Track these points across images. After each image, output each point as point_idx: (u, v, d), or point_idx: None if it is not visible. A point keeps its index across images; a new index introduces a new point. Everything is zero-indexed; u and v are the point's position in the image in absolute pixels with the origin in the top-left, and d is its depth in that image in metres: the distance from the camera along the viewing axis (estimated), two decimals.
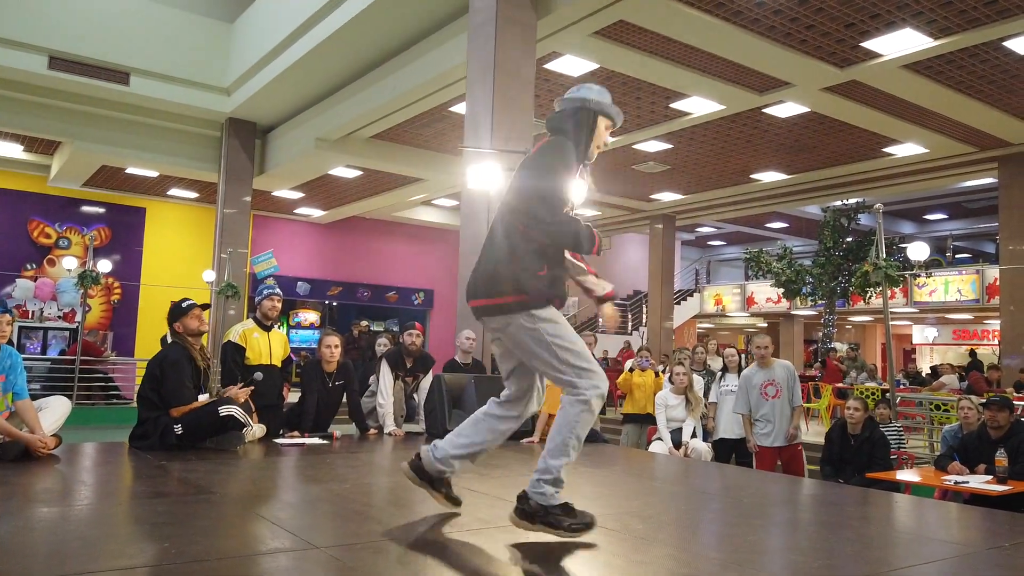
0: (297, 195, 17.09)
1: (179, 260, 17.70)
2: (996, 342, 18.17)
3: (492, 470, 4.44)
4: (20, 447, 3.96)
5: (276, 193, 16.87)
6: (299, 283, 19.06)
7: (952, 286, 17.25)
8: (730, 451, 6.91)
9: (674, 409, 6.95)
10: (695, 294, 23.32)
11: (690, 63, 9.43)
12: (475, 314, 2.95)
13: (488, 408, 3.05)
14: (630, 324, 21.30)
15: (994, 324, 19.30)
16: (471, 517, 3.11)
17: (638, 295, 22.12)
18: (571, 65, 9.66)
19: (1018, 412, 6.74)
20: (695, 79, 9.85)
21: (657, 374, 8.06)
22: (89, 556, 2.42)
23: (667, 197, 16.81)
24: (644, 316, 20.18)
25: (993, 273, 15.77)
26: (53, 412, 4.40)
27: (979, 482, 5.23)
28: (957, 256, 20.60)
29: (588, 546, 2.83)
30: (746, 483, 4.86)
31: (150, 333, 17.14)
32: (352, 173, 15.03)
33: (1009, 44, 8.43)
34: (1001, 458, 5.30)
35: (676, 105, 10.93)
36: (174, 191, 17.22)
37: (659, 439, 6.95)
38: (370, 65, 11.26)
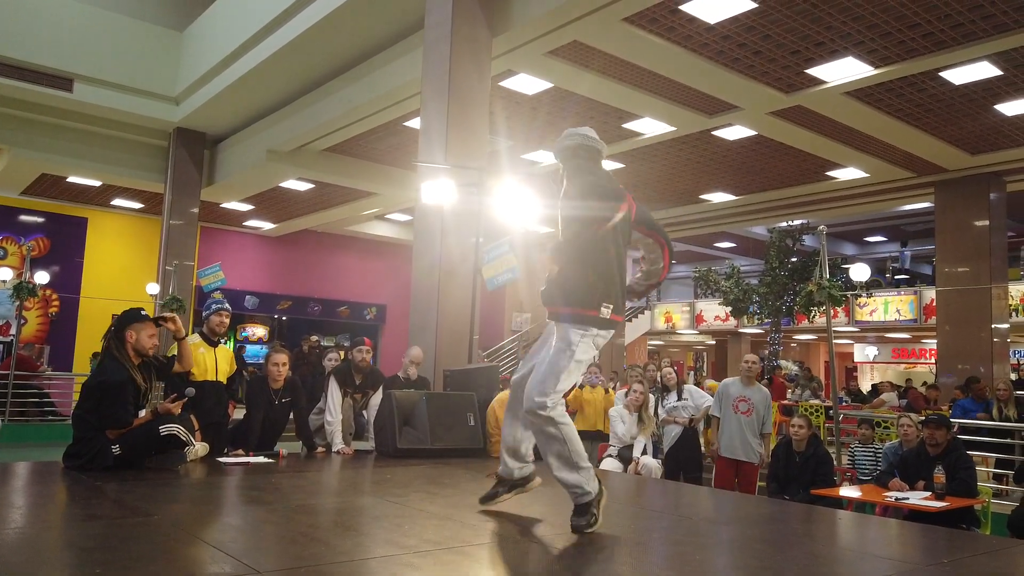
0: (247, 207, 16.79)
1: (122, 272, 17.18)
2: (933, 361, 18.79)
3: (443, 488, 4.39)
4: None
5: (225, 205, 16.55)
6: (247, 297, 18.68)
7: (892, 306, 17.81)
8: (678, 469, 7.00)
9: (628, 426, 6.98)
10: (646, 311, 23.58)
11: (642, 85, 9.59)
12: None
13: None
14: None
15: (931, 343, 19.95)
16: (420, 538, 3.06)
17: None
18: (526, 83, 9.73)
19: (955, 430, 6.95)
20: (647, 100, 10.02)
21: (607, 390, 8.10)
22: None
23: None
24: None
25: (930, 294, 16.33)
26: None
27: (918, 498, 5.37)
28: (896, 277, 21.27)
29: (539, 565, 2.81)
30: (695, 500, 4.90)
31: (89, 347, 16.55)
32: (304, 186, 14.84)
33: (945, 75, 8.79)
34: (939, 475, 5.46)
35: (628, 125, 11.09)
36: (118, 201, 16.75)
37: (610, 456, 6.96)
38: (324, 77, 11.17)
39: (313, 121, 11.64)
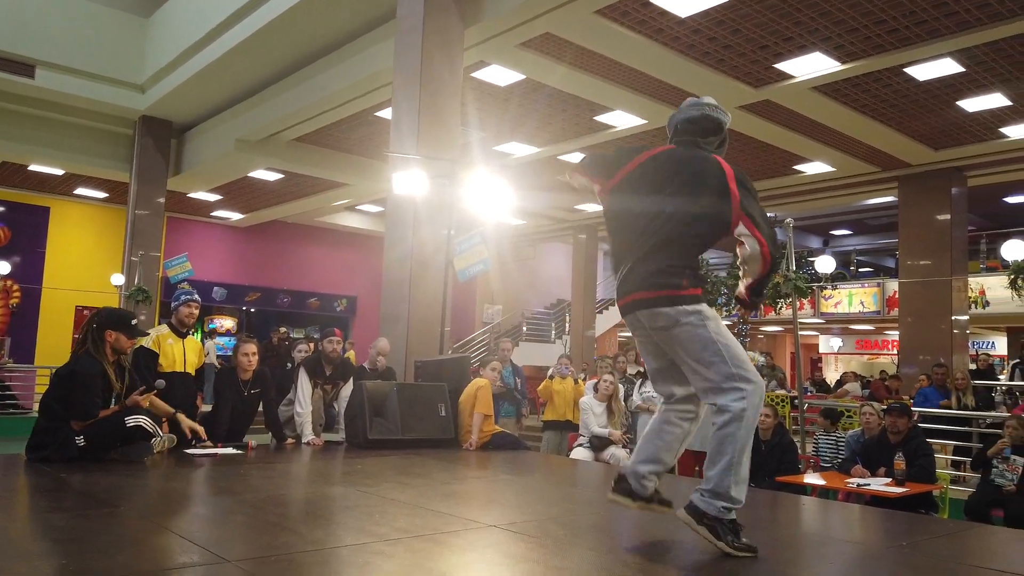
0: (215, 197, 16.56)
1: (85, 263, 16.86)
2: (895, 352, 19.19)
3: (414, 478, 4.40)
4: None
5: (192, 195, 16.31)
6: (215, 288, 18.44)
7: (855, 298, 18.12)
8: None
9: (599, 417, 7.04)
10: (616, 304, 23.73)
11: (613, 78, 9.64)
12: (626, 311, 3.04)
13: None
14: (553, 332, 21.50)
15: (893, 335, 20.38)
16: (391, 527, 3.07)
17: (561, 304, 22.36)
18: (498, 75, 9.72)
19: (916, 418, 7.13)
20: (618, 93, 10.07)
21: (577, 381, 8.17)
22: None
23: (590, 208, 17.08)
24: (567, 325, 20.40)
25: (893, 286, 16.66)
26: None
27: (880, 484, 5.50)
28: (860, 270, 21.65)
29: (509, 553, 2.84)
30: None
31: (51, 339, 16.26)
32: (273, 176, 14.68)
33: (909, 71, 8.96)
34: (900, 461, 5.60)
35: (600, 118, 11.14)
36: (81, 190, 16.42)
37: (580, 445, 7.03)
38: (294, 66, 11.05)
39: (283, 110, 11.51)
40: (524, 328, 20.99)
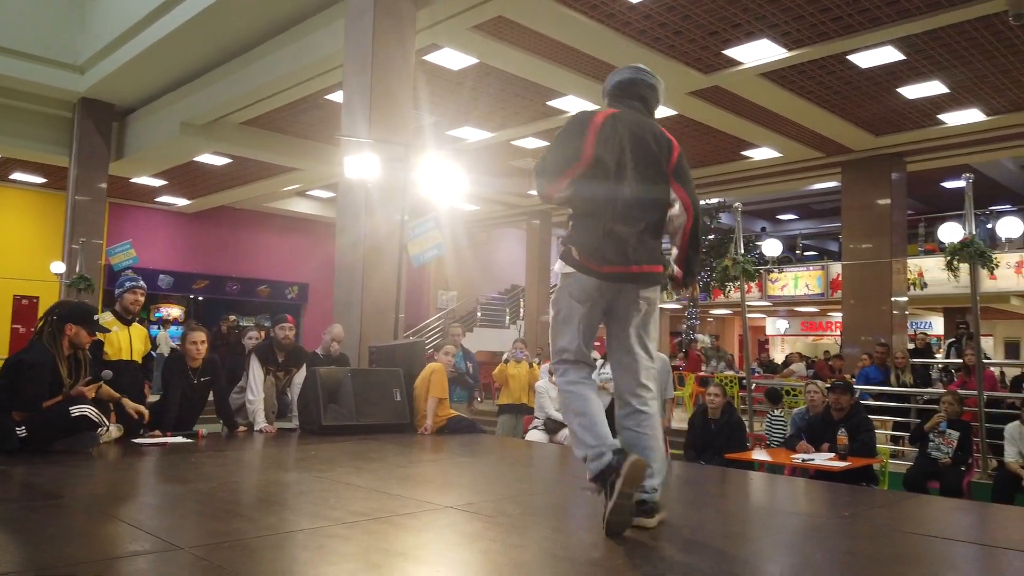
0: (159, 182, 16.11)
1: (23, 250, 16.26)
2: (838, 333, 19.80)
3: (369, 463, 4.39)
4: None
5: (135, 180, 15.83)
6: (161, 276, 17.99)
7: (800, 281, 18.60)
8: None
9: (555, 400, 7.09)
10: None
11: (566, 62, 9.66)
12: (627, 280, 2.86)
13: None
14: (508, 318, 21.57)
15: (837, 316, 20.99)
16: (346, 510, 3.06)
17: (515, 289, 22.42)
18: (451, 58, 9.65)
19: (858, 396, 7.38)
20: (571, 78, 10.10)
21: (531, 365, 8.23)
22: None
23: None
24: (521, 310, 20.49)
25: (836, 269, 17.15)
26: None
27: (823, 459, 5.69)
28: (805, 254, 22.20)
29: (466, 532, 2.86)
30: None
31: None
32: (220, 160, 14.34)
33: (852, 58, 9.19)
34: (842, 437, 5.80)
35: (553, 103, 11.17)
36: (18, 175, 15.80)
37: (535, 428, 7.09)
38: (242, 47, 10.78)
39: (230, 93, 11.23)
40: (478, 314, 21.01)
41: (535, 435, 7.01)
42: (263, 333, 7.50)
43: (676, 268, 3.00)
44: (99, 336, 5.01)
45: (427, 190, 7.75)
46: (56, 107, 13.27)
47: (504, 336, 19.70)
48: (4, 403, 4.09)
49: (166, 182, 16.11)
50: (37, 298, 16.13)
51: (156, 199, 17.69)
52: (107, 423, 4.51)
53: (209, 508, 3.16)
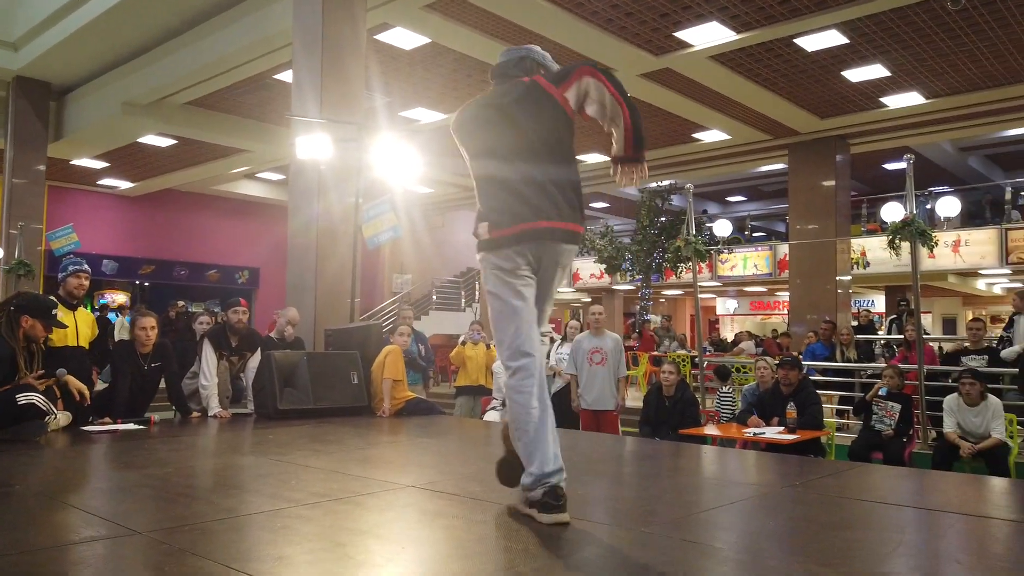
0: (101, 164, 15.58)
1: None
2: (786, 312, 20.30)
3: (327, 446, 4.37)
4: None
5: (76, 162, 15.28)
6: (105, 261, 17.45)
7: (749, 261, 19.01)
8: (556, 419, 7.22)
9: None
10: None
11: (518, 43, 9.60)
12: (561, 238, 2.79)
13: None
14: (463, 300, 21.55)
15: (784, 296, 21.53)
16: (307, 492, 3.06)
17: (471, 272, 22.39)
18: (403, 37, 9.53)
19: (805, 371, 7.60)
20: None
21: (488, 347, 8.26)
22: None
23: None
24: (477, 292, 20.49)
25: (783, 250, 17.56)
26: None
27: (773, 433, 5.87)
28: (754, 235, 22.67)
29: (428, 510, 2.88)
30: (573, 444, 5.12)
31: None
32: (165, 141, 13.93)
33: (799, 41, 9.37)
34: (791, 411, 5.99)
35: None
36: None
37: (494, 408, 7.13)
38: (187, 24, 10.45)
39: (174, 72, 10.89)
40: (434, 297, 20.93)
41: (493, 415, 7.06)
42: (213, 319, 7.36)
43: (618, 146, 2.85)
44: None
45: (381, 171, 7.67)
46: None
47: (460, 319, 19.69)
48: None
49: (108, 164, 15.59)
50: None
51: (98, 182, 17.11)
52: (55, 411, 4.39)
53: (165, 493, 3.11)
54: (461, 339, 8.43)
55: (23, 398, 4.09)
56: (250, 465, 3.88)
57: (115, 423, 4.94)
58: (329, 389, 5.83)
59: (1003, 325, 8.68)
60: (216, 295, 19.46)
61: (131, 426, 4.93)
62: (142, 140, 13.78)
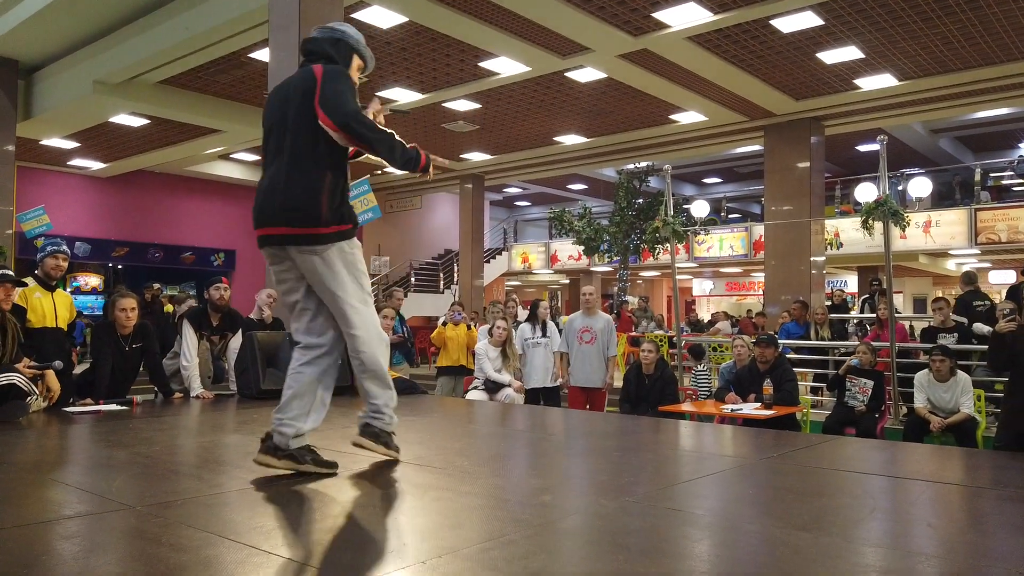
0: (71, 144, 15.29)
1: None
2: (761, 292, 20.58)
3: None
4: None
5: (45, 142, 14.97)
6: (77, 243, 17.17)
7: (726, 242, 19.22)
8: (538, 398, 7.33)
9: (494, 361, 7.19)
10: (503, 252, 24.04)
11: (498, 22, 9.59)
12: (270, 242, 2.91)
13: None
14: (442, 282, 21.55)
15: (759, 277, 21.80)
16: None
17: (449, 254, 22.39)
18: (380, 16, 9.45)
19: (781, 349, 7.75)
20: (502, 39, 10.04)
21: (469, 327, 8.30)
22: None
23: (476, 157, 17.07)
24: (456, 274, 20.50)
25: (759, 231, 17.78)
26: None
27: (751, 408, 6.00)
28: (730, 216, 22.90)
29: (418, 483, 2.93)
30: (555, 421, 5.21)
31: None
32: (138, 121, 13.70)
33: (775, 23, 9.44)
34: (768, 387, 6.12)
35: (484, 64, 11.09)
36: None
37: (475, 388, 7.19)
38: (159, 1, 10.27)
39: (147, 50, 10.70)
40: (412, 279, 20.92)
41: (475, 395, 7.12)
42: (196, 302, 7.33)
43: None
44: (18, 301, 4.83)
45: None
46: None
47: (439, 301, 19.72)
48: None
49: (79, 144, 15.31)
50: None
51: (69, 162, 16.80)
52: (36, 391, 4.38)
53: (154, 470, 3.13)
54: (442, 320, 8.46)
55: (4, 378, 4.08)
56: (236, 444, 3.90)
57: (97, 404, 4.93)
58: None
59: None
60: (191, 278, 19.28)
61: (113, 407, 4.92)
62: (114, 120, 13.55)
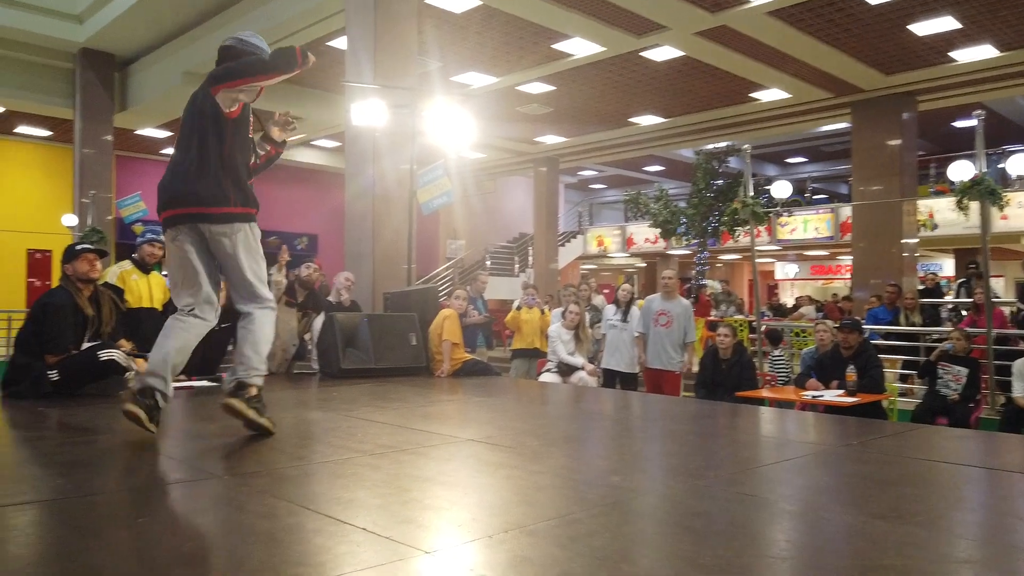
0: (164, 134, 16.06)
1: (34, 204, 16.32)
2: (848, 276, 19.81)
3: (390, 402, 4.52)
4: None
5: (140, 131, 15.78)
6: None
7: (810, 224, 18.55)
8: (615, 382, 7.32)
9: (567, 344, 7.20)
10: (578, 236, 23.92)
11: (571, 3, 9.50)
12: (187, 220, 3.17)
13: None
14: (516, 266, 21.64)
15: (846, 260, 20.97)
16: (373, 443, 3.19)
17: (523, 237, 22.44)
18: (454, 1, 9.50)
19: (866, 334, 7.46)
20: (576, 20, 9.95)
21: (543, 311, 8.32)
22: None
23: (550, 140, 17.02)
24: (530, 258, 20.55)
25: (846, 212, 17.07)
26: None
27: (833, 395, 5.81)
28: (815, 197, 22.09)
29: (489, 461, 2.98)
30: (628, 404, 5.19)
31: (5, 283, 15.86)
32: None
33: None
34: (851, 373, 5.91)
35: (558, 46, 11.02)
36: (23, 128, 15.75)
37: (548, 370, 7.22)
38: None
39: None
40: (488, 262, 21.08)
41: (548, 377, 7.15)
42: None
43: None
44: (115, 283, 5.13)
45: (434, 137, 7.73)
46: (57, 58, 13.16)
47: (515, 284, 19.79)
48: (35, 348, 4.22)
49: (172, 133, 16.05)
50: (50, 251, 16.25)
51: (162, 151, 17.65)
52: (134, 367, 4.64)
53: (241, 442, 3.28)
54: (516, 304, 8.51)
55: (105, 354, 4.33)
56: (318, 419, 4.05)
57: (189, 380, 5.19)
58: (389, 350, 5.99)
59: None
60: (276, 262, 19.93)
61: (204, 383, 5.18)
62: None
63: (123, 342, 4.64)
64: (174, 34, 12.25)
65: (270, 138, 3.67)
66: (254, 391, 3.20)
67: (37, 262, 16.44)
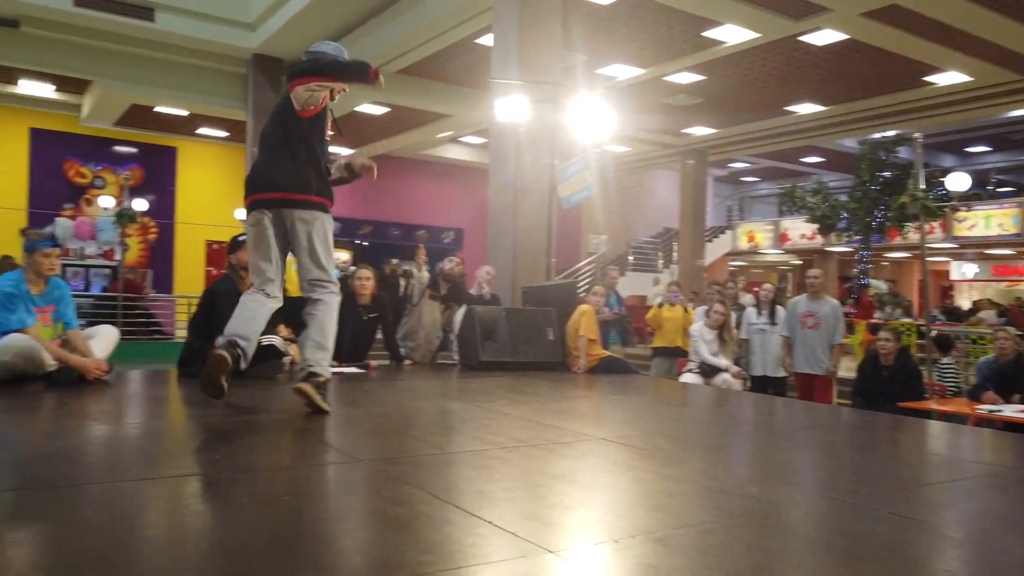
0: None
1: (212, 199, 17.90)
2: None
3: (525, 396, 4.55)
4: (74, 373, 4.14)
5: None
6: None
7: (993, 220, 16.83)
8: (766, 388, 6.99)
9: (710, 344, 6.95)
10: (727, 231, 23.06)
11: None
12: (272, 205, 3.55)
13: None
14: (660, 262, 21.20)
15: None
16: (507, 436, 3.21)
17: (668, 233, 21.93)
18: None
19: None
20: (729, 5, 9.54)
21: (686, 309, 8.08)
22: (146, 466, 2.56)
23: (699, 132, 16.49)
24: (674, 254, 20.05)
25: None
26: (103, 339, 4.59)
27: (1013, 410, 5.23)
28: (999, 190, 20.02)
29: (619, 461, 2.91)
30: (775, 410, 4.91)
31: (187, 271, 17.52)
32: (379, 110, 14.95)
33: None
34: None
35: (708, 34, 10.62)
36: (204, 130, 17.29)
37: (690, 371, 6.99)
38: None
39: (386, 42, 11.61)
40: (630, 258, 20.79)
41: (689, 378, 6.93)
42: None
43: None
44: None
45: (577, 131, 7.69)
46: (232, 64, 14.31)
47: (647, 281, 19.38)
48: (206, 331, 4.60)
49: (332, 133, 17.04)
50: (226, 243, 17.79)
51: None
52: (290, 352, 4.96)
53: (383, 429, 3.42)
54: (659, 300, 8.32)
55: (265, 339, 4.65)
56: (456, 410, 4.15)
57: (339, 366, 5.48)
58: (527, 344, 6.04)
59: None
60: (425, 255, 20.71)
61: (353, 369, 5.45)
62: (358, 108, 14.89)
63: (281, 328, 4.96)
64: (336, 36, 12.94)
65: (351, 167, 4.00)
66: (323, 378, 3.47)
67: (214, 252, 18.02)
